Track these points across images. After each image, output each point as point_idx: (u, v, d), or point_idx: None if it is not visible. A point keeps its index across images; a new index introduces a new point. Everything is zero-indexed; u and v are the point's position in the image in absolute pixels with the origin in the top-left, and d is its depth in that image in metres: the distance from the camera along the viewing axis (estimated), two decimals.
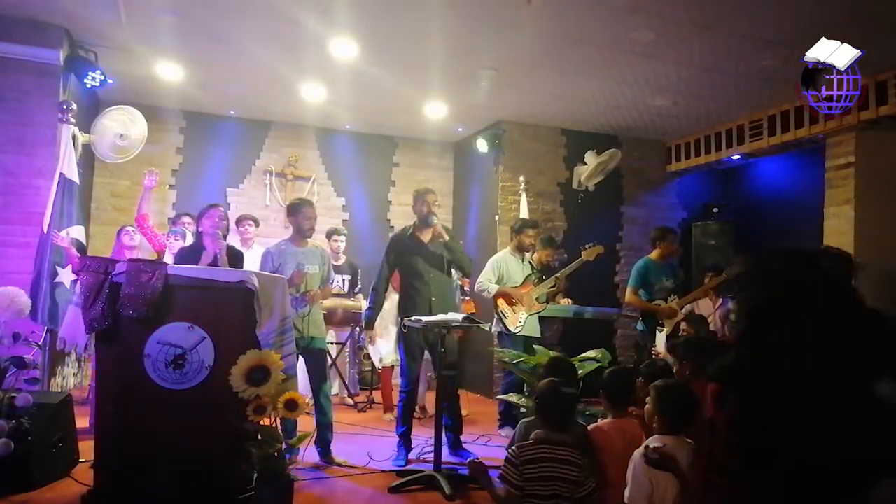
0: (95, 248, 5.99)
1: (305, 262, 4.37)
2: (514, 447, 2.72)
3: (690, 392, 2.68)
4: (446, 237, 4.61)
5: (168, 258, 5.13)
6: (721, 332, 5.61)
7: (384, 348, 5.88)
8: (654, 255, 5.72)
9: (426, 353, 4.70)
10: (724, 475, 1.46)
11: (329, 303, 5.65)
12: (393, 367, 6.05)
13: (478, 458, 2.93)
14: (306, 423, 4.41)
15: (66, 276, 4.71)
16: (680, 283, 5.83)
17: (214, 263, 4.09)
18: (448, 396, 4.57)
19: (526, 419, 3.31)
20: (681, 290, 5.68)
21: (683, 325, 5.17)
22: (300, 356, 4.37)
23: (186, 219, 5.86)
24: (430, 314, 4.30)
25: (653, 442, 2.54)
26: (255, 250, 6.13)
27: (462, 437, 4.72)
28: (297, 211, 4.44)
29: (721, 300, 5.92)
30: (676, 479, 2.34)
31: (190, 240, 5.52)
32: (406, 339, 4.55)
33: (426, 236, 4.65)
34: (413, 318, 4.19)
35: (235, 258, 4.25)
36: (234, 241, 6.14)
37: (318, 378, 4.42)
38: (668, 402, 2.59)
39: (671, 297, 5.57)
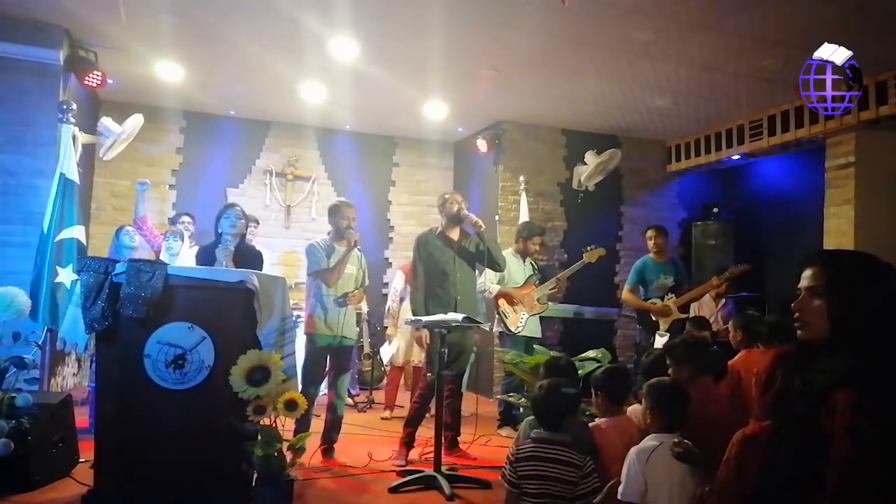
0: (95, 248, 5.97)
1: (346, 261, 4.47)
2: (512, 445, 2.74)
3: (682, 389, 2.68)
4: (482, 225, 4.59)
5: (165, 258, 5.13)
6: (723, 333, 5.58)
7: (395, 347, 5.89)
8: (651, 253, 5.75)
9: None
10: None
11: None
12: (402, 366, 6.04)
13: (476, 458, 2.93)
14: (319, 423, 4.44)
15: (66, 276, 4.70)
16: (683, 280, 5.82)
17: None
18: (453, 394, 4.57)
19: (530, 417, 3.30)
20: (680, 288, 5.68)
21: (688, 328, 5.14)
22: (329, 355, 4.43)
23: (186, 219, 5.84)
24: (455, 312, 4.29)
25: (649, 440, 2.53)
26: None
27: (462, 438, 4.72)
28: (336, 212, 4.58)
29: (723, 301, 5.88)
30: (696, 472, 2.33)
31: (187, 241, 5.53)
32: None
33: (455, 234, 4.68)
34: (412, 318, 4.19)
35: (243, 261, 4.13)
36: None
37: (337, 374, 4.48)
38: (661, 399, 2.59)
39: (668, 296, 5.57)
